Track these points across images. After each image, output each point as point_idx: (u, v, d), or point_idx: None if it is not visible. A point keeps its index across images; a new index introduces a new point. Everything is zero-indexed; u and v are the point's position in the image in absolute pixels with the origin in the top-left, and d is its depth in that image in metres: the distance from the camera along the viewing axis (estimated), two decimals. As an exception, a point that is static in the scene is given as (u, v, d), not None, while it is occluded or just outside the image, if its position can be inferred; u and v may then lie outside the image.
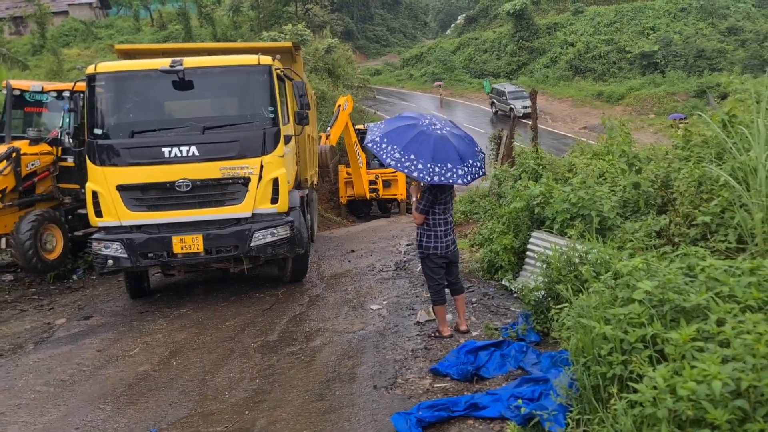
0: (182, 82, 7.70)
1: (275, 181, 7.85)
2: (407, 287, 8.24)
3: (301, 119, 8.53)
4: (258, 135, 7.82)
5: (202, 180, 7.61)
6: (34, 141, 10.46)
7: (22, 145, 10.15)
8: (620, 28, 46.72)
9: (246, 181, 7.72)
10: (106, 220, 7.71)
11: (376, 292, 8.19)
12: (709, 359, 2.81)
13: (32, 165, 10.30)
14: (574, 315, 3.92)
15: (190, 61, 7.70)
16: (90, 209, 7.76)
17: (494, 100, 40.47)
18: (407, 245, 11.45)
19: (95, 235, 7.82)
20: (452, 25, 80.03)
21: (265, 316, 7.58)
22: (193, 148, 7.57)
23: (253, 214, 7.80)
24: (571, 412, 3.53)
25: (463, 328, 6.03)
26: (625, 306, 3.65)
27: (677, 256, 4.30)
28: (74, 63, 28.57)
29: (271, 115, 7.92)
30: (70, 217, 10.79)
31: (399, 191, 19.85)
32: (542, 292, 5.65)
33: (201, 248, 7.65)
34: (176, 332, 7.24)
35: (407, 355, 5.65)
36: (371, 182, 19.66)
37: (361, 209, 21.38)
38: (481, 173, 5.67)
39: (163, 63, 7.65)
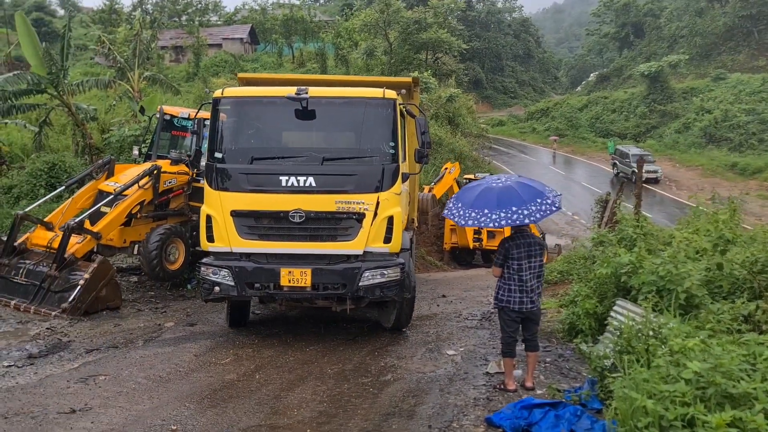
0: (305, 111, 7.59)
1: (390, 220, 7.51)
2: (487, 337, 8.39)
3: (422, 157, 8.02)
4: (377, 170, 7.55)
5: (317, 212, 7.40)
6: (175, 161, 11.73)
7: (164, 164, 11.43)
8: (765, 98, 44.09)
9: (360, 217, 7.43)
10: (217, 245, 7.60)
11: (455, 338, 8.39)
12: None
13: (169, 183, 11.55)
14: (623, 386, 4.00)
15: (315, 91, 7.62)
16: (202, 232, 7.71)
17: (617, 162, 39.34)
18: (498, 298, 11.51)
19: (204, 260, 7.74)
20: (583, 82, 78.87)
21: (346, 346, 8.01)
22: (311, 179, 7.39)
23: (364, 252, 7.49)
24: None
25: (528, 384, 6.13)
26: (672, 384, 3.70)
27: (743, 341, 4.25)
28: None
29: (392, 151, 7.67)
30: (195, 233, 11.92)
31: (502, 243, 19.87)
32: (611, 361, 5.65)
33: (309, 283, 7.39)
34: (265, 349, 7.83)
35: (468, 402, 5.85)
36: (476, 232, 19.84)
37: (464, 257, 21.61)
38: (553, 209, 5.89)
39: (289, 91, 7.57)
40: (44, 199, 12.24)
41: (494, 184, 6.08)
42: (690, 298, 6.37)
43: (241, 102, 7.97)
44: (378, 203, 7.41)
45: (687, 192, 35.32)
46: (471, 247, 20.25)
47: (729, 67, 53.25)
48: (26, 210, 10.78)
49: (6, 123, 20.29)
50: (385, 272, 7.48)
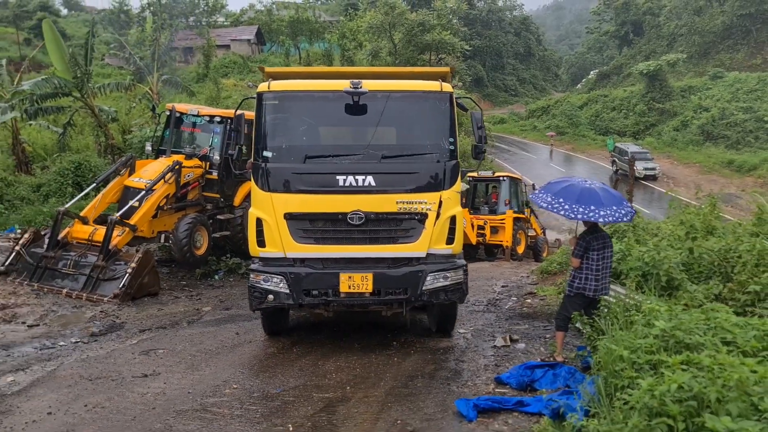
0: (356, 106, 7.12)
1: (452, 219, 7.17)
2: (493, 319, 9.40)
3: (479, 153, 7.61)
4: (438, 168, 7.16)
5: (377, 213, 6.99)
6: (189, 156, 12.80)
7: (179, 159, 12.48)
8: (761, 97, 45.02)
9: (422, 218, 7.06)
10: (269, 251, 7.14)
11: (465, 320, 9.40)
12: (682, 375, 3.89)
13: (188, 176, 12.64)
14: (605, 343, 5.04)
15: (370, 84, 7.11)
16: (252, 238, 7.25)
17: (616, 159, 40.33)
18: (502, 287, 12.53)
19: (253, 266, 7.31)
20: (584, 80, 79.76)
21: (369, 326, 8.99)
22: (370, 178, 6.96)
23: (427, 255, 7.15)
24: (589, 410, 4.64)
25: (559, 358, 6.81)
26: (643, 339, 4.73)
27: (703, 309, 5.29)
28: (230, 92, 32.35)
29: (451, 147, 7.27)
30: (210, 221, 12.99)
31: (505, 238, 20.82)
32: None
33: (370, 288, 6.98)
34: (296, 329, 8.83)
35: (479, 367, 6.90)
36: (479, 227, 20.82)
37: (468, 252, 22.58)
38: (624, 219, 6.61)
39: (341, 84, 7.12)
40: (80, 195, 13.26)
41: (580, 183, 6.84)
42: (671, 280, 7.41)
43: (289, 96, 7.38)
44: (440, 202, 7.08)
45: (684, 189, 36.30)
46: (474, 242, 21.24)
47: (727, 65, 54.16)
48: (66, 207, 11.79)
49: (31, 124, 21.30)
50: (448, 275, 7.16)
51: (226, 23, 62.22)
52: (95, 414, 5.72)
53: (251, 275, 7.27)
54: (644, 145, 43.49)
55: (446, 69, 8.33)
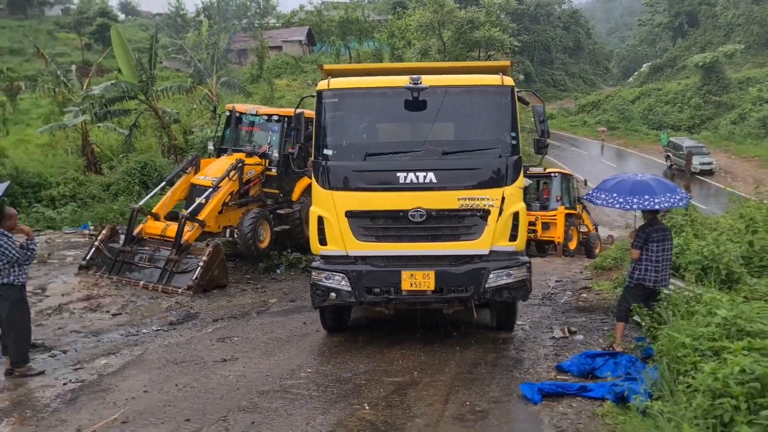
0: (415, 102, 7.10)
1: (515, 216, 7.10)
2: (549, 312, 9.62)
3: (541, 147, 7.60)
4: (501, 163, 7.11)
5: (438, 210, 6.99)
6: (249, 154, 13.38)
7: (241, 157, 13.05)
8: (825, 88, 43.35)
9: (485, 214, 7.01)
10: (331, 249, 7.20)
11: (521, 313, 9.58)
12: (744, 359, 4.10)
13: (250, 173, 13.23)
14: (667, 331, 5.26)
15: (430, 79, 7.10)
16: (313, 236, 7.31)
17: (670, 154, 39.47)
18: (556, 281, 12.68)
19: (315, 263, 7.42)
20: (635, 74, 78.01)
21: (429, 319, 9.30)
22: (431, 175, 6.96)
23: (490, 252, 7.10)
24: (652, 393, 4.88)
25: (618, 349, 7.00)
26: (706, 327, 4.94)
27: (765, 301, 5.44)
28: (283, 92, 33.19)
29: (513, 142, 7.22)
30: (271, 216, 13.55)
31: (557, 234, 20.81)
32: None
33: (432, 286, 6.98)
34: (359, 320, 9.23)
35: (539, 356, 7.17)
36: (530, 224, 20.86)
37: (520, 248, 22.65)
38: (680, 204, 6.92)
39: (400, 80, 7.13)
40: (151, 194, 14.02)
41: (631, 177, 7.14)
42: (730, 273, 7.51)
43: (348, 94, 7.40)
44: (503, 198, 7.01)
45: (742, 184, 35.36)
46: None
47: (788, 55, 52.29)
48: (139, 204, 12.52)
49: (99, 126, 22.43)
50: (511, 272, 7.10)
51: (277, 24, 63.49)
52: (186, 393, 6.25)
53: (313, 273, 7.36)
54: (700, 139, 42.42)
55: (506, 63, 8.21)
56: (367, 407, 5.70)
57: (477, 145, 7.43)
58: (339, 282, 7.13)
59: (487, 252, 7.09)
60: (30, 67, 48.97)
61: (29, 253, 6.86)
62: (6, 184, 7.30)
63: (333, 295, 7.17)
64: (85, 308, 9.88)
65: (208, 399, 6.05)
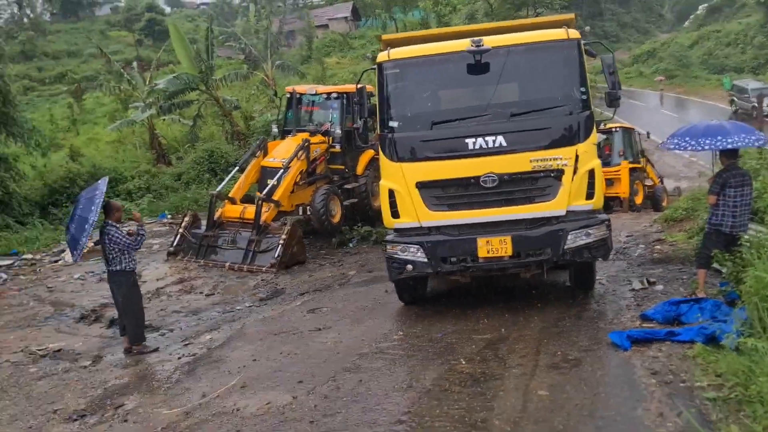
0: (479, 64, 6.98)
1: (591, 173, 6.94)
2: (625, 266, 9.72)
3: (613, 100, 7.36)
4: (571, 120, 6.94)
5: (511, 174, 6.88)
6: (313, 133, 13.80)
7: (306, 136, 13.47)
8: None
9: (559, 174, 6.88)
10: (404, 221, 7.23)
11: (597, 268, 9.73)
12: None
13: (316, 152, 13.67)
14: (754, 272, 5.38)
15: (492, 40, 6.97)
16: (385, 209, 7.36)
17: (734, 98, 37.84)
18: (627, 236, 12.68)
19: (388, 237, 7.46)
20: (691, 17, 74.57)
21: (509, 277, 9.47)
22: (500, 138, 6.84)
23: (566, 212, 6.96)
24: (743, 332, 5.05)
25: (701, 295, 7.08)
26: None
27: None
28: (334, 70, 33.59)
29: (584, 97, 7.02)
30: (339, 191, 13.98)
31: (622, 189, 20.55)
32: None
33: (509, 252, 6.91)
34: (439, 285, 9.58)
35: (622, 307, 7.38)
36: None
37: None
38: (756, 144, 7.10)
39: (461, 44, 7.03)
40: (226, 180, 14.66)
41: (703, 122, 7.36)
42: (812, 216, 7.46)
43: (410, 63, 7.33)
44: (577, 157, 6.85)
45: (815, 122, 33.74)
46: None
47: None
48: (217, 190, 13.17)
49: (164, 119, 23.40)
50: (590, 232, 6.92)
51: (321, 3, 63.66)
52: (291, 359, 6.78)
53: (388, 246, 7.37)
54: (766, 80, 40.49)
55: (570, 16, 7.91)
56: (463, 362, 6.07)
57: (546, 104, 7.16)
58: (415, 254, 7.14)
59: (563, 213, 6.94)
60: (88, 68, 51.08)
61: (139, 238, 7.50)
62: (105, 179, 7.93)
63: (409, 267, 7.19)
64: (180, 291, 10.61)
65: (313, 363, 6.55)
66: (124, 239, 7.33)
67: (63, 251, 14.25)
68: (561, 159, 6.87)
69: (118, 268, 7.44)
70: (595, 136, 7.18)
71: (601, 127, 20.27)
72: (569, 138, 6.93)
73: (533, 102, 7.31)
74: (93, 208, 7.09)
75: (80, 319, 9.45)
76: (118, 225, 7.53)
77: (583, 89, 7.06)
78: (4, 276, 12.78)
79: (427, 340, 6.91)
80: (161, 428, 5.43)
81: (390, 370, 6.11)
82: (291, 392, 5.76)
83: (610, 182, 20.68)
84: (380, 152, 7.52)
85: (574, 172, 6.88)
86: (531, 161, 6.89)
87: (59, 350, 8.10)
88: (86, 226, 7.07)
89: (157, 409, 5.90)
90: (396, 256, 7.26)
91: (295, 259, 11.88)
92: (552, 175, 6.91)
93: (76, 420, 5.92)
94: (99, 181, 7.77)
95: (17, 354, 8.09)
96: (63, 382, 7.01)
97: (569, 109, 7.04)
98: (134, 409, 6.00)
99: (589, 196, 6.98)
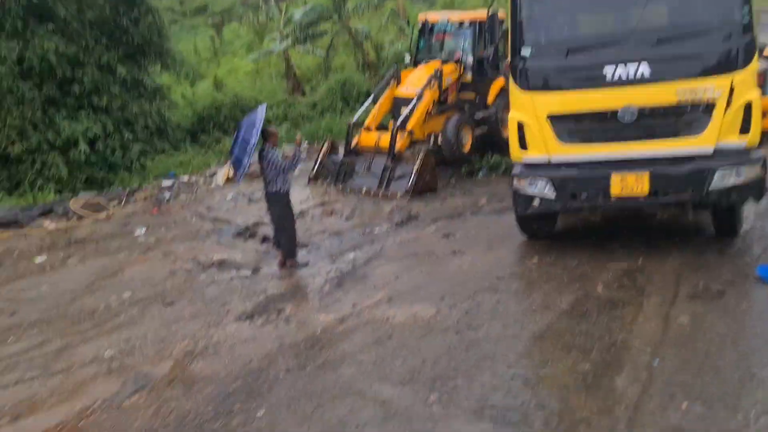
0: None
1: (747, 107, 6.22)
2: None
3: None
4: (728, 45, 6.22)
5: (653, 107, 6.35)
6: (445, 62, 13.83)
7: (437, 65, 13.53)
8: None
9: (709, 107, 6.24)
10: (532, 155, 6.94)
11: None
12: None
13: (447, 81, 13.73)
14: None
15: None
16: (513, 142, 7.11)
17: None
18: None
19: (515, 171, 7.24)
20: None
21: (642, 218, 9.28)
22: (643, 66, 6.28)
23: (714, 150, 6.35)
24: None
25: None
26: None
27: None
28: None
29: (746, 19, 6.20)
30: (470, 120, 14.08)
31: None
32: None
33: (646, 190, 6.41)
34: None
35: None
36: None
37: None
38: None
39: None
40: (362, 108, 15.11)
41: None
42: None
43: None
44: (732, 87, 6.16)
45: None
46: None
47: None
48: (354, 119, 13.73)
49: (299, 51, 24.21)
50: (741, 171, 6.25)
51: None
52: (431, 278, 7.29)
53: (515, 180, 7.12)
54: None
55: None
56: (600, 288, 6.27)
57: (698, 27, 6.46)
58: (542, 189, 6.83)
59: (711, 150, 6.33)
60: (223, 1, 53.27)
61: (295, 161, 8.18)
62: (263, 106, 8.59)
63: (537, 202, 6.95)
64: (322, 213, 11.42)
65: (453, 282, 7.01)
66: (281, 161, 8.04)
67: (214, 174, 15.62)
68: (713, 89, 6.20)
69: (274, 189, 8.20)
70: (756, 63, 6.41)
71: (764, 54, 18.56)
72: (724, 65, 6.23)
73: (684, 25, 6.67)
74: (254, 131, 7.78)
75: (237, 235, 10.53)
76: (274, 149, 8.24)
77: (746, 8, 6.22)
78: (168, 195, 14.31)
79: (561, 268, 7.11)
80: (321, 329, 6.16)
81: (526, 292, 6.45)
82: (435, 306, 6.27)
83: (763, 114, 19.10)
84: (510, 82, 7.20)
85: (728, 105, 6.20)
86: (678, 92, 6.28)
87: (222, 261, 9.15)
88: (248, 148, 7.80)
89: (314, 315, 6.66)
90: (523, 190, 7.05)
91: (428, 186, 12.29)
92: (700, 108, 6.30)
93: (245, 320, 6.82)
94: (258, 108, 8.44)
95: (188, 263, 9.25)
96: (229, 288, 7.99)
97: (726, 32, 6.26)
98: (294, 314, 6.80)
99: (744, 131, 6.29)
